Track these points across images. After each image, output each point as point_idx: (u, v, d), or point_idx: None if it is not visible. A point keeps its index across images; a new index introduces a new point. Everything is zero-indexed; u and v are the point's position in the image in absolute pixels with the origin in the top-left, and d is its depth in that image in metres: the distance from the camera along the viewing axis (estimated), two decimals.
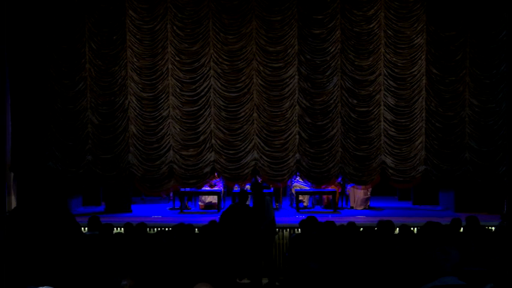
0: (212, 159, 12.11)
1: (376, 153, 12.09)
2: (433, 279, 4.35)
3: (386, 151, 12.08)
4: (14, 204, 11.86)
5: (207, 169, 12.15)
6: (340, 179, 12.77)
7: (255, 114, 12.11)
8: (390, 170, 12.03)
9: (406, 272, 5.84)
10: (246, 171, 12.13)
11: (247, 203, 9.46)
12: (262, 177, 12.23)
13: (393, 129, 12.06)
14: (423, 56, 11.91)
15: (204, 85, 12.05)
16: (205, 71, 12.02)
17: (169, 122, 12.13)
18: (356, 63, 11.97)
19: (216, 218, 9.34)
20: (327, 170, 12.08)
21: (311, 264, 5.07)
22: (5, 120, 11.80)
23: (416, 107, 12.01)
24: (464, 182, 12.02)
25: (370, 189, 12.95)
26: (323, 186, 12.63)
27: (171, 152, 12.13)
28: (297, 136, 12.12)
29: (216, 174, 12.46)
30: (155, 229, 10.20)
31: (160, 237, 7.84)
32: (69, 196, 12.57)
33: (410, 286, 5.49)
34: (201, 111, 12.10)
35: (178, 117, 12.12)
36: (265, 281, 9.31)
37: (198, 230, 8.76)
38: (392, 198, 14.61)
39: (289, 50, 11.96)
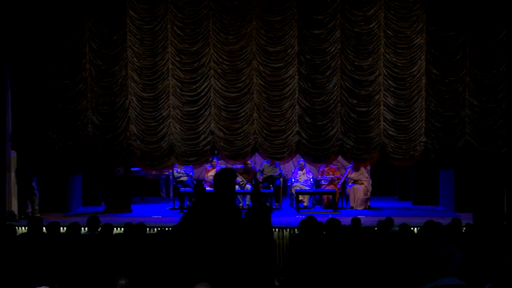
0: (211, 138, 12.16)
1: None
2: (433, 279, 4.36)
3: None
4: (14, 204, 11.86)
5: (207, 147, 12.19)
6: (346, 171, 12.95)
7: (255, 114, 12.13)
8: (390, 149, 12.07)
9: (406, 272, 5.84)
10: (246, 149, 12.20)
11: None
12: (262, 154, 12.45)
13: (393, 129, 12.06)
14: (423, 56, 11.91)
15: (204, 85, 12.06)
16: (206, 71, 12.03)
17: (169, 122, 12.14)
18: (356, 63, 11.97)
19: None
20: (326, 148, 12.15)
21: (315, 264, 5.06)
22: (5, 121, 11.78)
23: (416, 107, 12.02)
24: (463, 159, 12.01)
25: (370, 190, 12.95)
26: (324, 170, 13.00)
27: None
28: (297, 136, 12.13)
29: (215, 152, 12.53)
30: (155, 229, 10.17)
31: (160, 237, 7.81)
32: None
33: (411, 286, 5.50)
34: (202, 111, 12.11)
35: (179, 117, 12.13)
36: None
37: None
38: (392, 198, 14.60)
39: (289, 50, 11.97)
